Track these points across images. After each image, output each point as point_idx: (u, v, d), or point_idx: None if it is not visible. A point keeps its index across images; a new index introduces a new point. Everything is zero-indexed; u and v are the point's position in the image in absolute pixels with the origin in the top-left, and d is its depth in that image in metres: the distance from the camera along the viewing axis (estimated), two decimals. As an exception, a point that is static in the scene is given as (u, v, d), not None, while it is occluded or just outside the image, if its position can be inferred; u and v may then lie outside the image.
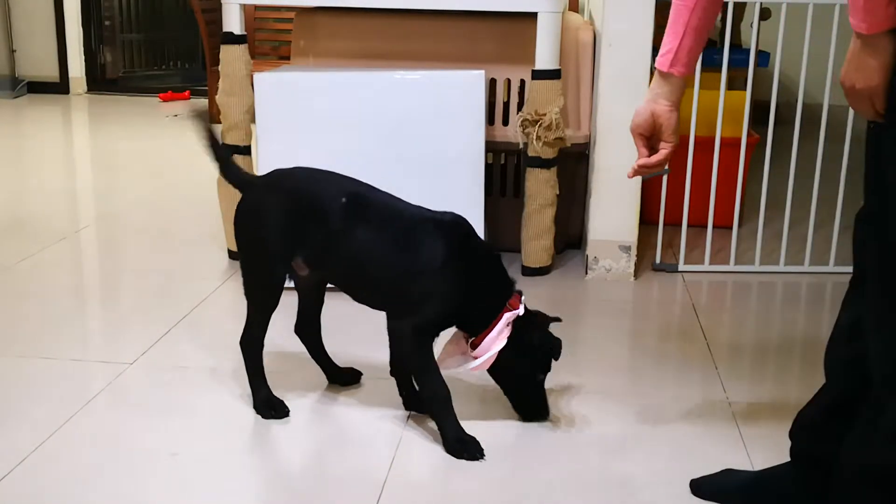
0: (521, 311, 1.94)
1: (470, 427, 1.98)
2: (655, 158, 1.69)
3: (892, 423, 1.35)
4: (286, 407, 2.05)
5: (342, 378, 2.20)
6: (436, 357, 1.94)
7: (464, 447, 1.89)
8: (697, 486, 1.78)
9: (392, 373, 2.09)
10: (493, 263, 1.97)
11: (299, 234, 1.94)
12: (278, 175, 2.05)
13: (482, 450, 1.89)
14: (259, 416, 2.03)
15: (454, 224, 1.95)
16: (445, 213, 1.97)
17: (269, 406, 2.04)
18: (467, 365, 1.96)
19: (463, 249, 1.94)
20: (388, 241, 1.92)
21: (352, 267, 1.95)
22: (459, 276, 1.91)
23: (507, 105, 3.04)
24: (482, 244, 2.03)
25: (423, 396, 1.97)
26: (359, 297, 2.02)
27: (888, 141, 1.32)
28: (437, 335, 1.95)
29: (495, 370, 1.98)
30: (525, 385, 2.01)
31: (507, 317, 1.92)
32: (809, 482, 1.65)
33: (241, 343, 2.05)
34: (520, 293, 1.96)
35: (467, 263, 1.93)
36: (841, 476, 1.45)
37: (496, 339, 1.91)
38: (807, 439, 1.66)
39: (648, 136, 1.69)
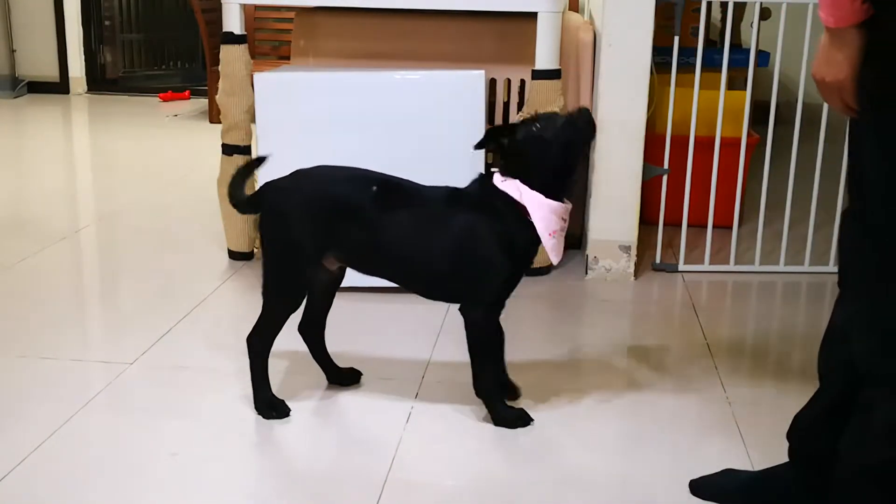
0: (496, 175, 1.96)
1: (469, 427, 1.98)
2: None
3: (887, 419, 1.35)
4: (287, 407, 2.05)
5: (342, 378, 2.19)
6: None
7: (515, 420, 2.02)
8: (697, 486, 1.78)
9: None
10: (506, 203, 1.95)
11: (333, 232, 1.95)
12: (301, 175, 2.03)
13: (530, 417, 2.04)
14: (260, 417, 2.04)
15: (471, 193, 1.99)
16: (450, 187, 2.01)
17: (271, 406, 2.04)
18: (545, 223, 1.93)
19: (487, 212, 1.95)
20: (426, 224, 1.95)
21: (396, 255, 1.97)
22: (494, 235, 1.93)
23: (507, 105, 3.04)
24: (487, 192, 2.00)
25: (476, 382, 2.02)
26: (406, 284, 2.05)
27: (865, 135, 1.33)
28: (504, 306, 2.01)
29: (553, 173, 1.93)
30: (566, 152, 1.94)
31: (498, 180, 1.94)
32: (809, 482, 1.65)
33: (249, 342, 2.04)
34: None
35: (494, 220, 1.94)
36: (840, 475, 1.45)
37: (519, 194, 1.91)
38: (804, 441, 1.66)
39: None
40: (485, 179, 1.99)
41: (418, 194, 2.00)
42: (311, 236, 1.95)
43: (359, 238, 1.95)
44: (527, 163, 1.92)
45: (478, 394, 2.03)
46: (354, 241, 1.95)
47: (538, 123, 1.92)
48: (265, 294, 2.01)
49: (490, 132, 1.99)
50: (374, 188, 1.96)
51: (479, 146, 1.98)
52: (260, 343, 2.03)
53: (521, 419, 2.03)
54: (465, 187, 2.00)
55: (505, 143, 1.94)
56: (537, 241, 1.93)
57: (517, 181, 1.92)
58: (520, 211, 1.92)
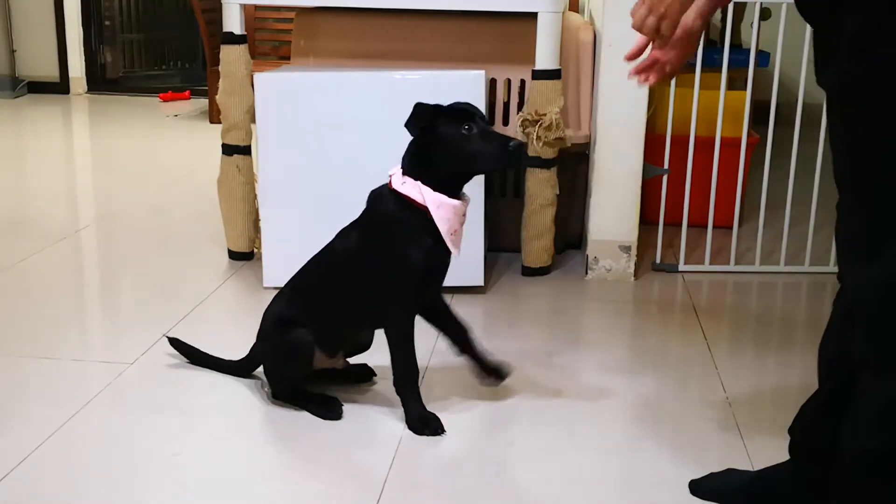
0: (395, 175, 1.94)
1: (469, 427, 1.98)
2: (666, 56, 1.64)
3: (874, 406, 1.35)
4: (339, 402, 2.07)
5: (353, 376, 2.21)
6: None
7: (426, 424, 1.97)
8: (697, 486, 1.78)
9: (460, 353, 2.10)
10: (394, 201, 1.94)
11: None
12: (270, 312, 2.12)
13: (443, 426, 1.97)
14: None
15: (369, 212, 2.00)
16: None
17: (325, 407, 2.06)
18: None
19: (382, 218, 1.96)
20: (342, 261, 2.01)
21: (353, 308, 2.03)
22: (395, 235, 1.93)
23: (507, 105, 3.04)
24: (379, 197, 1.99)
25: (395, 373, 2.00)
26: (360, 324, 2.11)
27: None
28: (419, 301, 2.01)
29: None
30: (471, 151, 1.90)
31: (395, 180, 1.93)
32: (810, 480, 1.65)
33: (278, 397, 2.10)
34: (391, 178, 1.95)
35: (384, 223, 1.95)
36: (840, 467, 1.45)
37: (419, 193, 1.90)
38: (806, 434, 1.66)
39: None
40: (380, 193, 1.97)
41: (329, 248, 2.05)
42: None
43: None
44: (435, 161, 1.89)
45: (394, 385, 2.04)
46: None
47: (469, 126, 1.87)
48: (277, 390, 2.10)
49: (420, 112, 1.88)
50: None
51: (411, 125, 1.88)
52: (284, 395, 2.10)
53: (430, 427, 1.97)
54: (364, 211, 2.01)
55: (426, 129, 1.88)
56: (440, 238, 1.91)
57: (418, 182, 1.89)
58: (421, 211, 1.90)
